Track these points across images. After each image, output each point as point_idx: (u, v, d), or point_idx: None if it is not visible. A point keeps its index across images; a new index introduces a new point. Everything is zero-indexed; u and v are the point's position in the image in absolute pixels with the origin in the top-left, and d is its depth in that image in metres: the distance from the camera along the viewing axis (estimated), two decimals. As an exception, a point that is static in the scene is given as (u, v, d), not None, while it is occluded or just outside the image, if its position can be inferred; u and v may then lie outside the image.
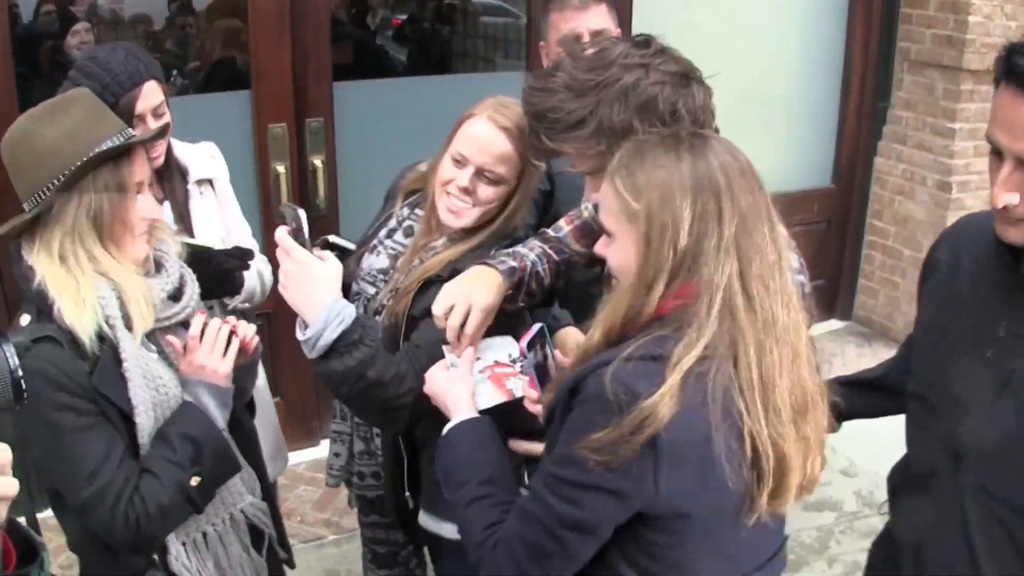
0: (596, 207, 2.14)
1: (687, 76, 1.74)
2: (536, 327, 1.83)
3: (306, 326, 1.82)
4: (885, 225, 5.21)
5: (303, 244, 1.82)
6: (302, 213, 1.83)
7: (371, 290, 2.24)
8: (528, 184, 2.13)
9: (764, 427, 1.40)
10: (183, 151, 2.58)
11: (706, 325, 1.38)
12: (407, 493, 2.24)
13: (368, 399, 1.87)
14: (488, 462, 1.65)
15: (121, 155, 1.76)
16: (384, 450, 2.30)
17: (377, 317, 2.18)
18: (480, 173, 2.05)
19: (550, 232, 2.18)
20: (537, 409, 1.77)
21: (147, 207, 1.82)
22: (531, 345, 1.80)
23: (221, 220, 2.59)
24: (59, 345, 1.69)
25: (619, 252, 1.48)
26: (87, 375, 1.71)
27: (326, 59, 3.76)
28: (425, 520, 2.13)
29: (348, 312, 1.81)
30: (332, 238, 2.10)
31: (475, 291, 1.86)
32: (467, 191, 2.05)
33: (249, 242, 2.61)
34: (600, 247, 1.57)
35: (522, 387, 1.88)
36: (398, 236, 2.26)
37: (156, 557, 1.86)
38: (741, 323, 1.40)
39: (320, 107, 3.77)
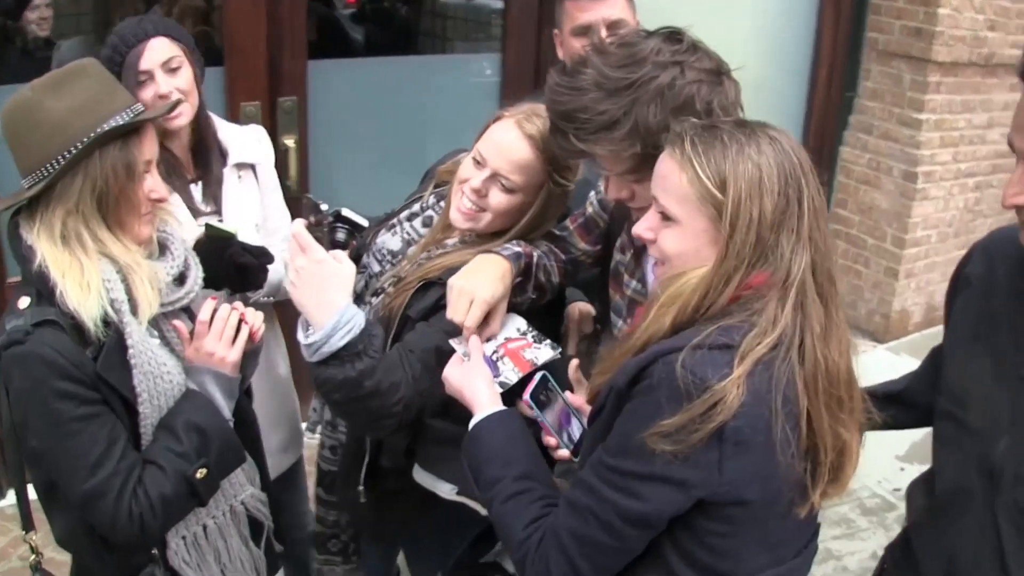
0: (600, 202, 2.10)
1: (719, 72, 1.70)
2: (538, 376, 1.74)
3: (308, 326, 1.73)
4: (849, 214, 5.27)
5: (320, 240, 1.73)
6: (325, 207, 1.74)
7: (376, 268, 2.17)
8: (547, 203, 2.02)
9: (825, 418, 1.40)
10: (228, 133, 2.48)
11: (780, 317, 1.38)
12: (360, 487, 2.15)
13: (359, 408, 1.78)
14: (522, 456, 1.60)
15: (130, 133, 1.67)
16: (348, 436, 2.22)
17: (374, 299, 2.11)
18: (495, 177, 1.96)
19: (555, 231, 2.13)
20: (562, 454, 1.72)
21: (154, 187, 1.73)
22: (535, 395, 1.72)
23: (260, 207, 2.50)
24: (61, 330, 1.61)
25: (681, 238, 1.46)
26: (91, 361, 1.63)
27: (301, 36, 3.65)
28: (421, 476, 2.04)
29: (358, 320, 1.72)
30: (345, 211, 2.01)
31: (476, 282, 1.81)
32: (478, 193, 1.97)
33: (286, 231, 2.50)
34: (647, 230, 1.53)
35: (541, 354, 1.84)
36: (417, 223, 2.19)
37: (156, 552, 1.79)
38: (809, 316, 1.40)
39: (294, 86, 3.67)
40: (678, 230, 1.47)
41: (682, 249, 1.46)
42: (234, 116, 3.50)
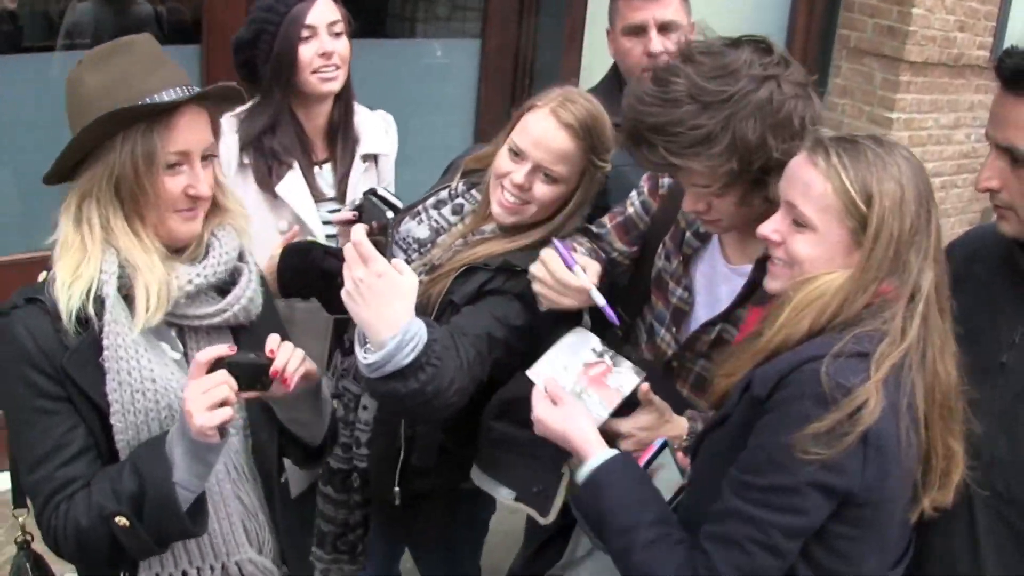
0: (643, 204, 2.07)
1: (807, 85, 1.67)
2: (658, 443, 1.70)
3: (365, 341, 1.62)
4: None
5: (381, 248, 1.58)
6: (390, 214, 1.60)
7: (401, 256, 2.07)
8: (588, 187, 2.00)
9: (939, 427, 1.48)
10: (360, 118, 2.39)
11: (909, 329, 1.44)
12: (396, 488, 2.08)
13: (417, 409, 1.71)
14: (652, 499, 1.57)
15: (159, 118, 1.51)
16: (378, 438, 2.13)
17: None
18: (537, 170, 1.92)
19: (592, 229, 2.09)
20: None
21: (192, 182, 1.56)
22: (649, 464, 1.69)
23: None
24: (45, 312, 1.51)
25: (817, 245, 1.49)
26: (63, 353, 1.51)
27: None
28: (480, 478, 1.99)
29: (422, 333, 1.62)
30: (380, 190, 1.89)
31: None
32: (522, 188, 1.92)
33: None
34: (773, 232, 1.54)
35: (624, 380, 1.79)
36: (445, 211, 2.12)
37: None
38: (932, 330, 1.47)
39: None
40: (814, 237, 1.49)
41: (816, 255, 1.49)
42: (212, 96, 3.39)
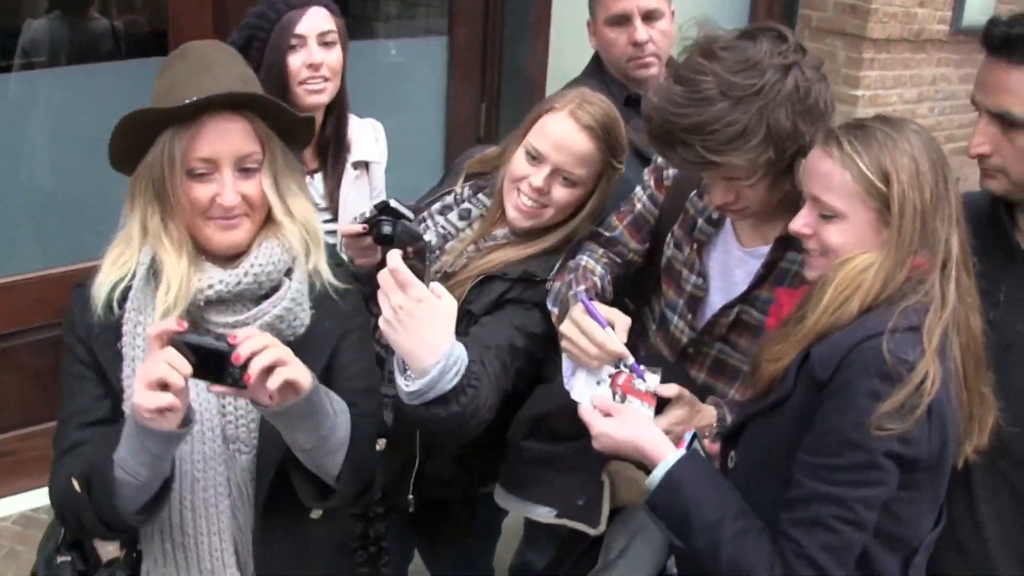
0: (651, 197, 2.06)
1: (820, 68, 1.69)
2: (688, 435, 1.68)
3: (405, 368, 1.57)
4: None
5: (418, 272, 1.51)
6: (428, 236, 1.55)
7: None
8: (605, 189, 1.99)
9: (973, 375, 1.55)
10: (350, 127, 2.34)
11: (949, 293, 1.51)
12: (411, 495, 2.07)
13: (459, 430, 1.65)
14: (730, 492, 1.59)
15: (184, 123, 1.51)
16: (393, 447, 2.07)
17: None
18: (556, 173, 1.91)
19: (604, 233, 2.07)
20: None
21: (219, 191, 1.55)
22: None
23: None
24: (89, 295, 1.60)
25: (847, 231, 1.54)
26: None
27: (247, 21, 3.48)
28: (507, 500, 1.97)
29: (463, 356, 1.58)
30: (392, 202, 1.86)
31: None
32: (541, 192, 1.91)
33: None
34: (804, 226, 1.59)
35: (651, 381, 1.78)
36: (452, 216, 2.08)
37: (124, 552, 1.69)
38: (963, 289, 1.54)
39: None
40: (843, 224, 1.55)
41: (848, 240, 1.55)
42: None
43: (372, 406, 1.72)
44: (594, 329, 1.76)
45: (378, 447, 1.93)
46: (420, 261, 1.50)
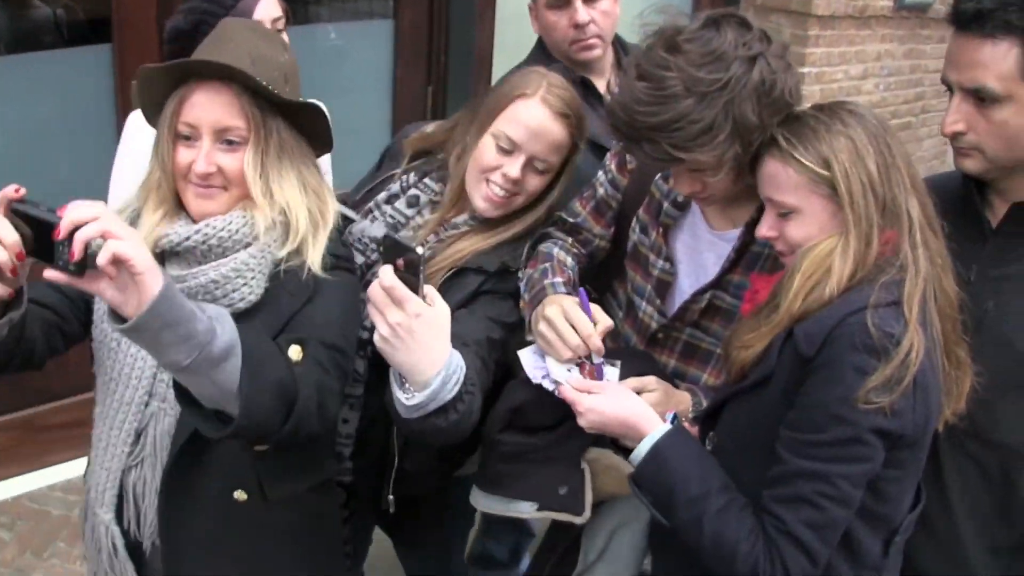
0: (612, 182, 2.03)
1: (785, 56, 1.65)
2: (668, 417, 1.67)
3: (403, 382, 1.51)
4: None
5: (414, 286, 1.44)
6: (420, 249, 1.45)
7: (360, 259, 1.98)
8: (570, 171, 1.98)
9: (951, 338, 1.57)
10: None
11: (921, 259, 1.53)
12: (391, 496, 2.02)
13: (456, 436, 1.60)
14: (714, 467, 1.58)
15: (183, 88, 1.62)
16: (367, 449, 2.04)
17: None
18: (531, 162, 1.89)
19: (568, 218, 2.06)
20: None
21: (194, 157, 1.60)
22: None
23: None
24: None
25: (806, 224, 1.57)
26: None
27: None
28: (487, 501, 1.91)
29: (461, 363, 1.53)
30: (341, 208, 1.83)
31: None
32: (516, 181, 1.89)
33: None
34: (769, 229, 1.62)
35: (610, 372, 1.79)
36: (400, 204, 2.04)
37: None
38: (932, 252, 1.56)
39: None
40: (800, 218, 1.57)
41: (809, 231, 1.57)
42: (125, 96, 3.27)
43: (323, 355, 1.60)
44: (584, 323, 1.76)
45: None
46: (412, 274, 1.43)
